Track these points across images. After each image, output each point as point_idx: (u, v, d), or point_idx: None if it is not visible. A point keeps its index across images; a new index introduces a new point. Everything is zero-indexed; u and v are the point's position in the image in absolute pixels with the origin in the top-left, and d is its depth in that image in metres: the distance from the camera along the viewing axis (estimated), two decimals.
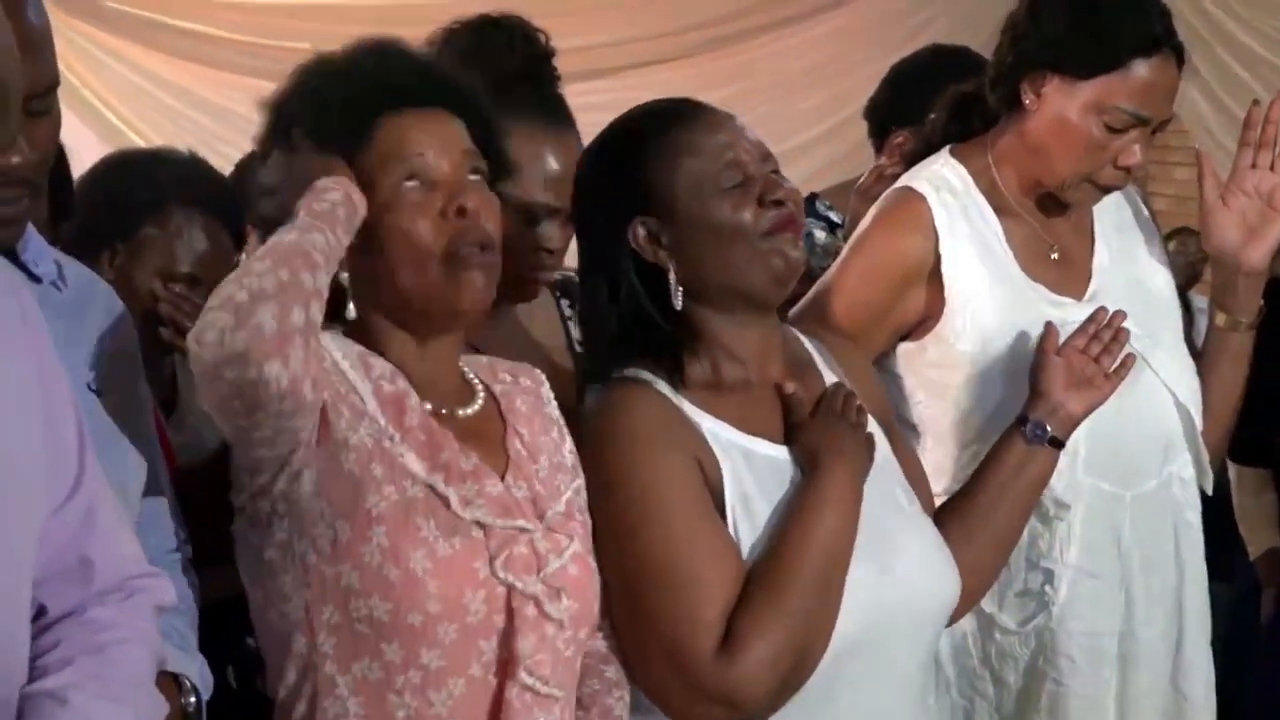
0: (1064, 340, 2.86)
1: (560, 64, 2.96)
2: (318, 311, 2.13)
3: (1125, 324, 2.93)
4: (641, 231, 2.51)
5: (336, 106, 2.31)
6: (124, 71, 8.46)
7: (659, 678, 2.42)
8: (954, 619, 2.73)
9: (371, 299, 2.32)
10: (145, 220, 3.22)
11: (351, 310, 2.33)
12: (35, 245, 2.37)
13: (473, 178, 2.33)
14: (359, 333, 2.33)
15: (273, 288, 2.07)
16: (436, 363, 2.36)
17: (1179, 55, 3.02)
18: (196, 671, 2.39)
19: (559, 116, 2.91)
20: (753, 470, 2.50)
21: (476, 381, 2.42)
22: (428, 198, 2.29)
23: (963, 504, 2.78)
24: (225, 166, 3.83)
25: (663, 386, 2.51)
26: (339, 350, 2.29)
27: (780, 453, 2.53)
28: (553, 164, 2.86)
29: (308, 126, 2.31)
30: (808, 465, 2.50)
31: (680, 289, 2.51)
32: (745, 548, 2.45)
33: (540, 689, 2.23)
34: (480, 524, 2.24)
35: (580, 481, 2.41)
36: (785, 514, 2.46)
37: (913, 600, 2.53)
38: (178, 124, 8.20)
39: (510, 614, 2.22)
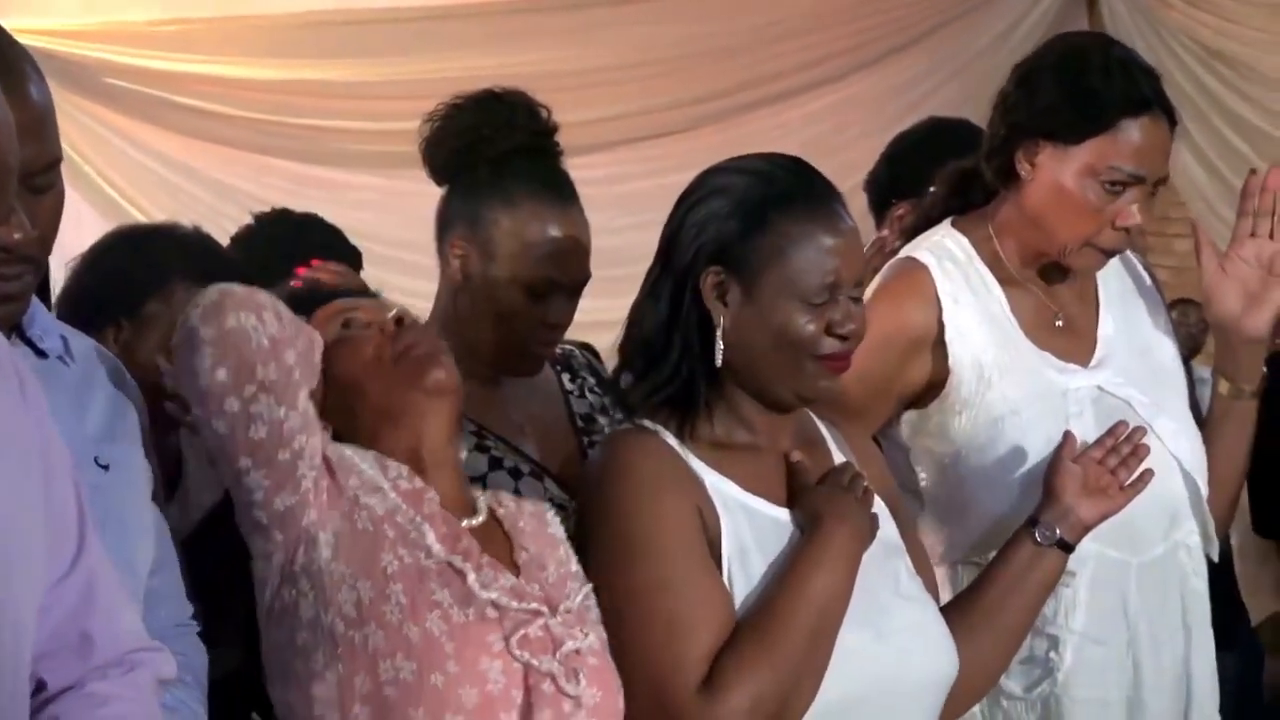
0: (1081, 449, 2.85)
1: (562, 138, 2.97)
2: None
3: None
4: (711, 281, 2.51)
5: None
6: (125, 147, 8.45)
7: (641, 713, 2.41)
8: (960, 712, 2.75)
9: (360, 434, 2.38)
10: (149, 296, 3.21)
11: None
12: (42, 320, 2.37)
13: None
14: None
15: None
16: (437, 477, 2.37)
17: (1170, 115, 3.03)
18: None
19: (563, 191, 2.92)
20: (753, 526, 2.51)
21: (480, 501, 2.44)
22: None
23: (969, 600, 2.79)
24: (226, 240, 3.84)
25: (669, 438, 2.53)
26: (356, 454, 2.33)
27: (781, 514, 2.55)
28: (557, 238, 2.86)
29: None
30: (809, 526, 2.50)
31: (723, 348, 2.52)
32: (739, 600, 2.46)
33: None
34: (496, 605, 2.25)
35: (590, 588, 2.41)
36: (781, 568, 2.47)
37: (909, 668, 2.54)
38: (178, 199, 8.19)
39: (528, 690, 2.23)
